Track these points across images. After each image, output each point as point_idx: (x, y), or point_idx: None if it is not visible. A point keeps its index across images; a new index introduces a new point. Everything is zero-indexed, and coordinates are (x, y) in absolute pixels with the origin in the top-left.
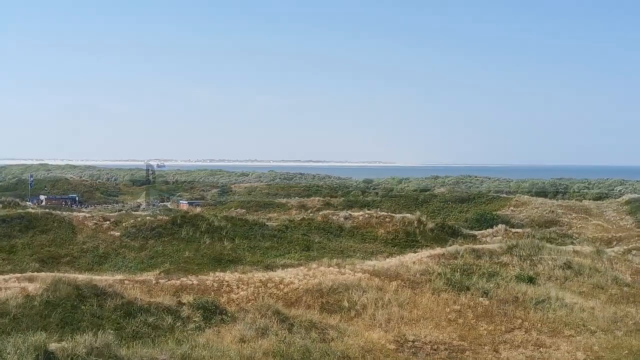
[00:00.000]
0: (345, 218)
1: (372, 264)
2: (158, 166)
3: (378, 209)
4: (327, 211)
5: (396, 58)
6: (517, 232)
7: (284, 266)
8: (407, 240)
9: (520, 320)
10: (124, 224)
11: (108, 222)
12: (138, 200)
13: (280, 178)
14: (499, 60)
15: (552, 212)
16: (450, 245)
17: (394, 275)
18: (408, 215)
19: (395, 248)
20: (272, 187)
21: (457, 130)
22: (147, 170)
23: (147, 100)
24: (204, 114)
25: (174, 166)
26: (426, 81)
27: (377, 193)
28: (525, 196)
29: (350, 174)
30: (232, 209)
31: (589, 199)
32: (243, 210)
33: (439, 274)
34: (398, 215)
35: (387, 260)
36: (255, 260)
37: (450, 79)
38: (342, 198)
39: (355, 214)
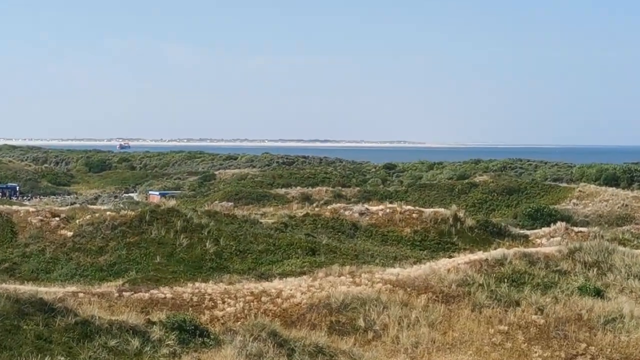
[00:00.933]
0: (361, 214)
1: (395, 272)
2: (121, 147)
3: (403, 201)
4: (338, 205)
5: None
6: (580, 232)
7: (283, 275)
8: (439, 242)
9: (584, 345)
10: (77, 221)
11: (57, 219)
12: (96, 191)
13: (278, 162)
14: (559, 28)
15: (626, 205)
16: (496, 249)
17: (423, 287)
18: (441, 210)
19: (425, 252)
20: (267, 174)
21: (504, 104)
22: (109, 152)
23: (105, 61)
24: (180, 79)
25: (141, 147)
26: (462, 45)
27: (401, 182)
28: (592, 185)
29: (368, 157)
30: (217, 201)
31: None
32: (230, 204)
33: (481, 285)
34: (428, 210)
35: (415, 267)
36: (246, 268)
37: (496, 45)
38: (357, 188)
39: (374, 208)
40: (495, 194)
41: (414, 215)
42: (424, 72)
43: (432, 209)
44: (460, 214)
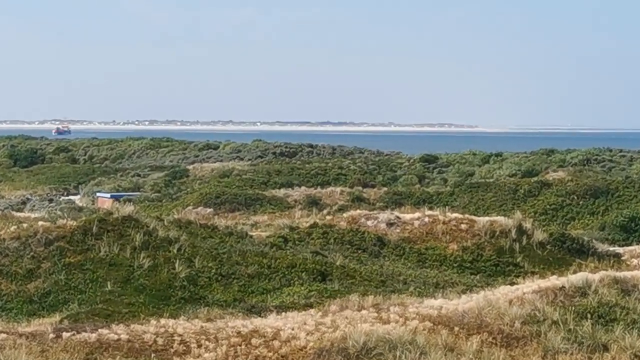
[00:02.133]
0: (390, 224)
1: (436, 304)
2: (59, 132)
3: (447, 207)
4: (358, 212)
5: None
6: None
7: (281, 308)
8: (498, 263)
9: None
10: None
11: None
12: (23, 192)
13: (274, 153)
14: None
15: None
16: (575, 272)
17: (475, 325)
18: (500, 219)
19: (478, 276)
20: (260, 169)
21: (585, 75)
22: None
23: (38, 16)
24: (138, 37)
25: (86, 132)
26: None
27: (445, 180)
28: None
29: (399, 146)
30: (190, 207)
31: None
32: (209, 210)
33: (555, 322)
34: (483, 220)
35: (464, 297)
36: (231, 298)
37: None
38: (384, 189)
39: (407, 216)
40: (575, 197)
41: (462, 226)
42: (473, 34)
43: (487, 218)
44: (527, 225)
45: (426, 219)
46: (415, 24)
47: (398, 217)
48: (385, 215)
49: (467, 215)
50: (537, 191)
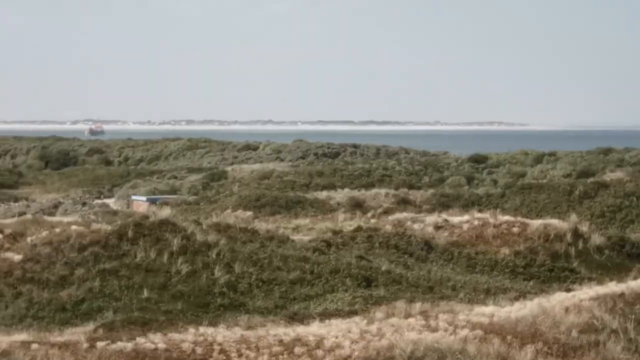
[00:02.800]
0: (437, 227)
1: (487, 311)
2: (92, 133)
3: (498, 209)
4: (404, 214)
5: None
6: None
7: (325, 315)
8: (552, 269)
9: None
10: (29, 240)
11: (0, 236)
12: (55, 195)
13: (316, 154)
14: None
15: None
16: (636, 278)
17: (529, 334)
18: (555, 222)
19: (531, 282)
20: (301, 170)
21: None
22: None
23: (67, 12)
24: (177, 36)
25: (121, 132)
26: None
27: (495, 181)
28: None
29: (446, 146)
30: (229, 210)
31: None
32: (249, 214)
33: (615, 331)
34: (536, 223)
35: (517, 305)
36: (272, 305)
37: None
38: (431, 190)
39: (456, 219)
40: (635, 199)
41: (514, 229)
42: (523, 30)
43: (541, 221)
44: (583, 228)
45: (476, 222)
46: (462, 20)
47: (446, 220)
48: (432, 218)
49: (519, 218)
50: (594, 192)
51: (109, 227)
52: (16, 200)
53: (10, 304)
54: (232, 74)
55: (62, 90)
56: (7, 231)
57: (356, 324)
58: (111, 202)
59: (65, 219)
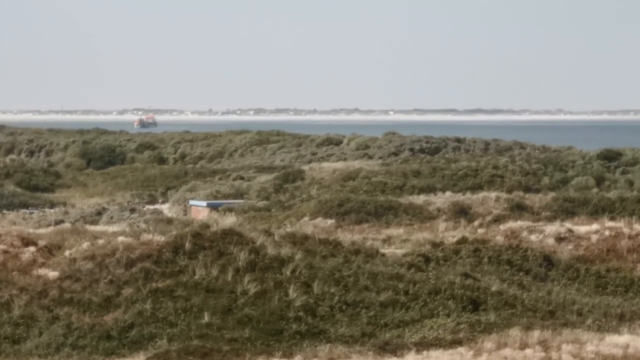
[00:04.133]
0: (560, 239)
1: (621, 341)
2: (142, 124)
3: (634, 217)
4: (518, 223)
5: None
6: None
7: (422, 346)
8: None
9: None
10: (67, 253)
11: (33, 249)
12: (99, 200)
13: (411, 150)
14: None
15: None
16: None
17: None
18: None
19: None
20: (393, 170)
21: None
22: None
23: None
24: (237, 10)
25: (176, 123)
26: None
27: (630, 182)
28: None
29: (570, 139)
30: (306, 218)
31: None
32: (330, 222)
33: None
34: None
35: None
36: (358, 333)
37: None
38: (552, 194)
39: (582, 229)
40: None
41: None
42: None
43: None
44: None
45: (607, 233)
46: None
47: (570, 230)
48: (553, 228)
49: None
50: None
51: (163, 239)
52: (52, 205)
53: (45, 330)
54: (310, 53)
55: (106, 75)
56: (42, 243)
57: (461, 355)
58: (165, 208)
59: (111, 229)
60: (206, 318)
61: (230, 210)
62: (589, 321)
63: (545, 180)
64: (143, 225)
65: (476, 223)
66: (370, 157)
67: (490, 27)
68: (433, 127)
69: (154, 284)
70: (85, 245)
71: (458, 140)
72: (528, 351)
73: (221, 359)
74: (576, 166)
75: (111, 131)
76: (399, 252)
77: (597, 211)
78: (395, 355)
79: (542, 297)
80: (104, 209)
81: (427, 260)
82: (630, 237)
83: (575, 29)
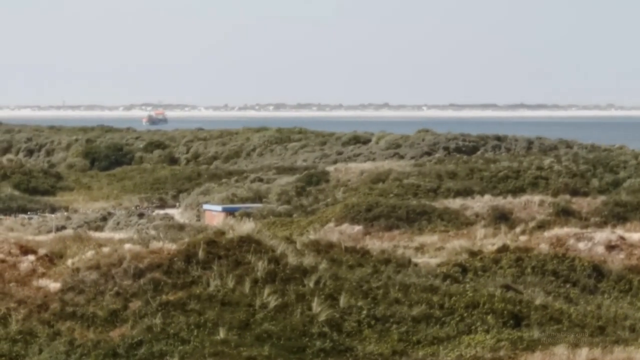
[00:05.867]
0: (610, 247)
1: None
2: (152, 121)
3: None
4: (565, 230)
5: None
6: None
7: None
8: None
9: None
10: (70, 262)
11: (32, 258)
12: (104, 204)
13: (447, 148)
14: None
15: None
16: None
17: None
18: None
19: None
20: (426, 170)
21: None
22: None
23: None
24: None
25: (188, 120)
26: None
27: None
28: None
29: (623, 137)
30: (331, 223)
31: None
32: (357, 228)
33: None
34: None
35: None
36: (388, 350)
37: None
38: (601, 198)
39: (635, 235)
40: None
41: None
42: None
43: None
44: None
45: None
46: None
47: (622, 238)
48: (603, 235)
49: None
50: None
51: (174, 247)
52: (53, 210)
53: (46, 346)
54: (335, 43)
55: (111, 66)
56: (42, 251)
57: None
58: (176, 213)
59: (117, 236)
60: (221, 334)
61: (247, 215)
62: None
63: (595, 182)
64: (152, 232)
65: (518, 230)
66: (402, 157)
67: (534, 10)
68: (470, 124)
69: (165, 296)
70: (89, 253)
71: (498, 138)
72: None
73: None
74: (628, 167)
75: (117, 128)
76: (433, 261)
77: None
78: None
79: (590, 312)
80: (110, 214)
81: (464, 270)
82: None
83: (634, 13)
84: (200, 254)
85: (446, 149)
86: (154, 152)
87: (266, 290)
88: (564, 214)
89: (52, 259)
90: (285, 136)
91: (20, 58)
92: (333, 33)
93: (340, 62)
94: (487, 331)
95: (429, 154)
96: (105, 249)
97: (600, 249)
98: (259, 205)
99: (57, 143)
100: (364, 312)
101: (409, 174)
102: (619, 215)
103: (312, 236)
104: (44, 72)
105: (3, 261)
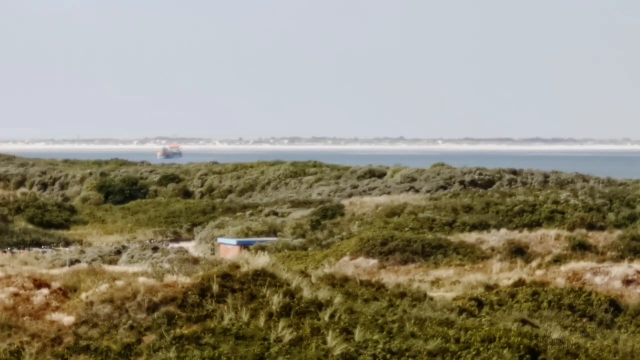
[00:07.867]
0: (627, 282)
1: None
2: (166, 155)
3: None
4: (581, 264)
5: None
6: None
7: None
8: None
9: None
10: (84, 296)
11: (46, 292)
12: (118, 238)
13: (462, 182)
14: None
15: None
16: None
17: None
18: None
19: None
20: (442, 204)
21: None
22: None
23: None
24: (272, 33)
25: (203, 154)
26: None
27: None
28: None
29: (638, 171)
30: (347, 257)
31: None
32: (373, 262)
33: None
34: None
35: None
36: None
37: None
38: (618, 232)
39: None
40: None
41: None
42: None
43: None
44: None
45: None
46: None
47: (639, 272)
48: (620, 270)
49: None
50: None
51: (188, 280)
52: (67, 244)
53: None
54: (351, 77)
55: (126, 100)
56: (56, 285)
57: None
58: (191, 247)
59: (131, 269)
60: None
61: (262, 249)
62: None
63: (611, 216)
64: (167, 266)
65: (534, 264)
66: (417, 191)
67: (550, 45)
68: (486, 158)
69: (179, 330)
70: (104, 287)
71: (514, 172)
72: None
73: None
74: None
75: (132, 162)
76: (449, 295)
77: None
78: None
79: (608, 347)
80: (124, 247)
81: (480, 304)
82: None
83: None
84: (215, 287)
85: (462, 183)
86: (168, 185)
87: (281, 324)
88: (581, 249)
89: (66, 292)
90: (300, 170)
91: (34, 93)
92: (348, 66)
93: (356, 95)
94: None
95: (444, 188)
96: (120, 283)
97: (617, 284)
98: (274, 239)
99: (71, 177)
100: (380, 346)
101: (424, 208)
102: (635, 250)
103: (327, 270)
104: (58, 105)
105: (17, 295)
